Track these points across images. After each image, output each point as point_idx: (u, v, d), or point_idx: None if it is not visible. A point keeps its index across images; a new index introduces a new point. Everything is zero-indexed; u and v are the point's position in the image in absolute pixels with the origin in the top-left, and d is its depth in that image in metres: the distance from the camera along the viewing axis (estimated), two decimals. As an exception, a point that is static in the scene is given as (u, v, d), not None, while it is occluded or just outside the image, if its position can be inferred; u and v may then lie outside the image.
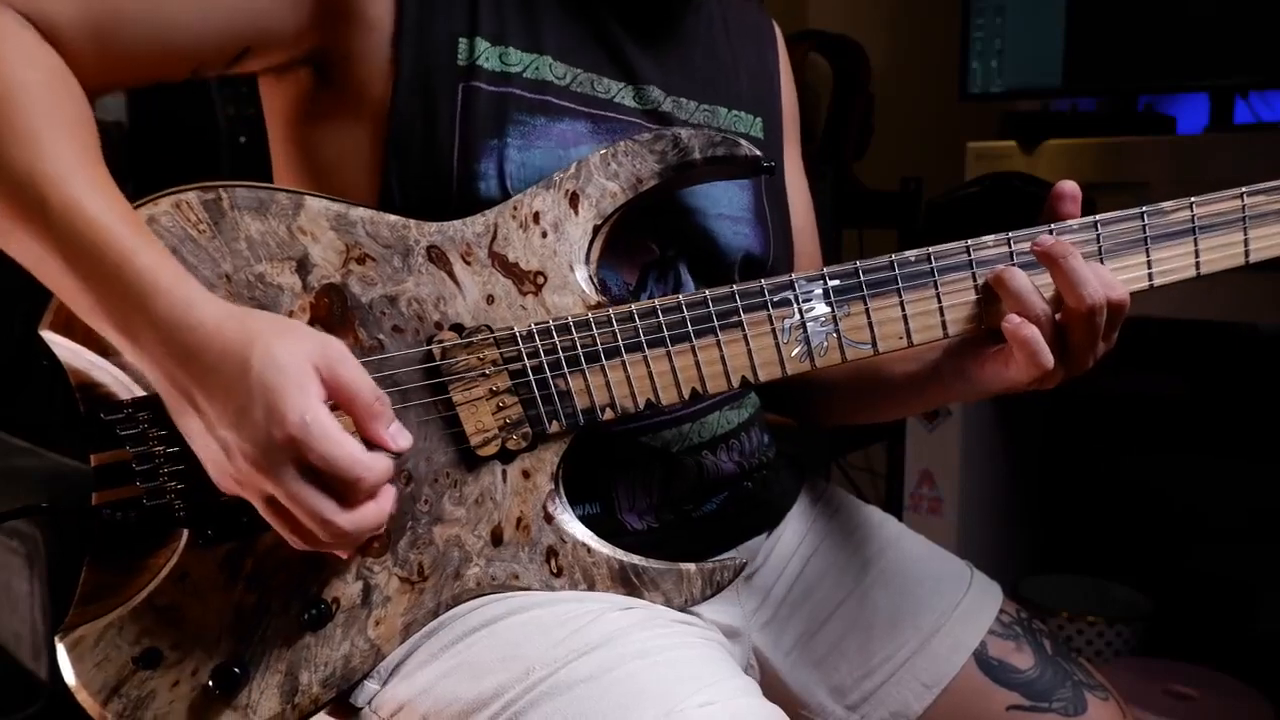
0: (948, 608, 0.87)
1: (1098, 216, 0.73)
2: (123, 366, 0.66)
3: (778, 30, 0.98)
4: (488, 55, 0.72)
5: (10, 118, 0.60)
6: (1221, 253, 0.75)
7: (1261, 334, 1.53)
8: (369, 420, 0.60)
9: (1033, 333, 0.69)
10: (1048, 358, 0.69)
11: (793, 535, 0.91)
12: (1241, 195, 0.74)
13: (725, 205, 0.82)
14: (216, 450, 0.59)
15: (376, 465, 0.59)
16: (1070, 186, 0.73)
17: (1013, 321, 0.69)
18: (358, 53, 0.71)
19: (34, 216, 0.59)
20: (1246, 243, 0.75)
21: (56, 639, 0.66)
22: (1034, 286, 0.70)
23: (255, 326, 0.59)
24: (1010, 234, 0.72)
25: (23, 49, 0.63)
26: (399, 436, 0.62)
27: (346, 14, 0.70)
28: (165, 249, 0.62)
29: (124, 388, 0.66)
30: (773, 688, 0.86)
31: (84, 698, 0.65)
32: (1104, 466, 1.95)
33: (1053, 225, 0.72)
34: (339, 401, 0.60)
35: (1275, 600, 1.79)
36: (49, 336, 0.66)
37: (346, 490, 0.58)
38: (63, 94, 0.63)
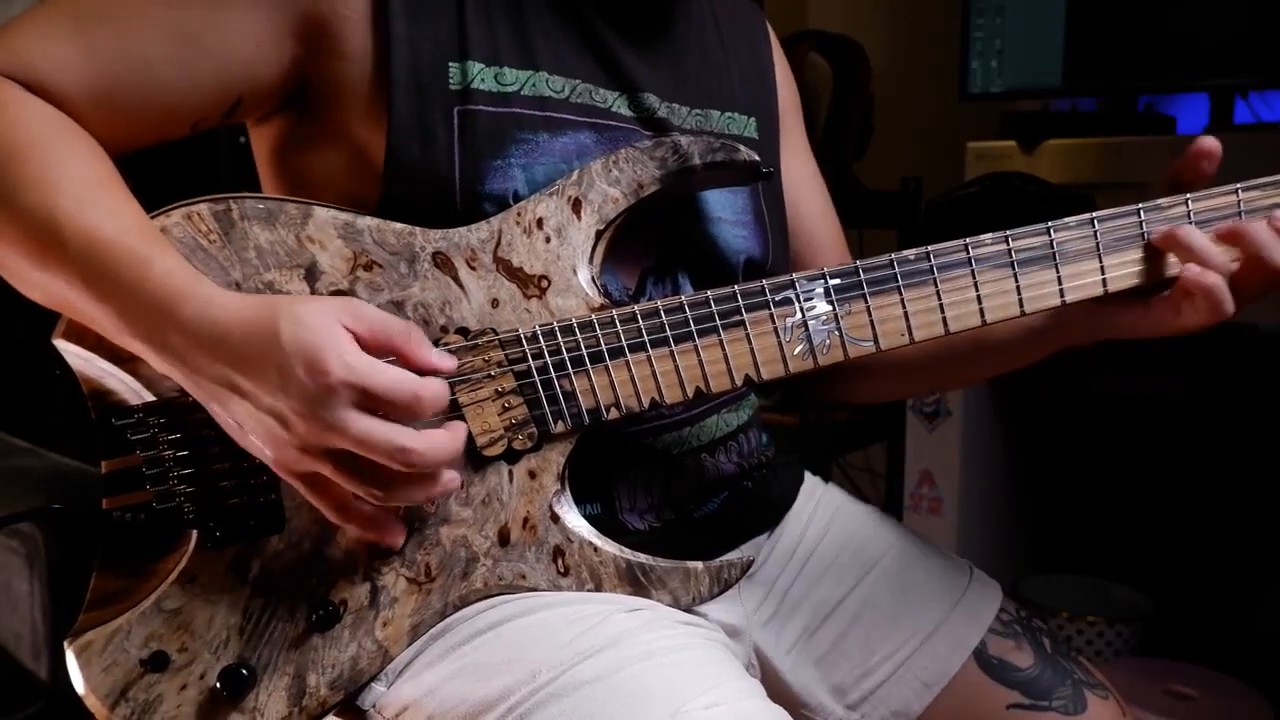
0: (947, 606, 0.88)
1: (1094, 214, 0.73)
2: (134, 373, 0.67)
3: (768, 24, 0.98)
4: (483, 77, 0.72)
5: (25, 166, 0.63)
6: None
7: (1261, 334, 1.53)
8: (412, 349, 0.62)
9: (1216, 280, 0.70)
10: (1230, 303, 0.71)
11: (793, 535, 0.91)
12: (1237, 191, 0.74)
13: (723, 209, 0.82)
14: (270, 424, 0.60)
15: (430, 382, 0.61)
16: (1211, 143, 0.74)
17: (1194, 270, 0.71)
18: (340, 85, 0.71)
19: (55, 250, 0.62)
20: None
21: (65, 644, 0.66)
22: (1208, 240, 0.72)
23: (275, 301, 0.60)
24: (1008, 232, 0.73)
25: (30, 108, 0.66)
26: (443, 359, 0.64)
27: (325, 48, 0.71)
28: (178, 255, 0.63)
29: (134, 394, 0.67)
30: (773, 686, 0.86)
31: (92, 702, 0.66)
32: (1104, 466, 1.95)
33: (1050, 224, 0.73)
34: (373, 345, 0.61)
35: (1275, 600, 1.79)
36: (62, 345, 0.67)
37: (410, 413, 0.60)
38: (72, 137, 0.66)
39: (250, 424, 0.61)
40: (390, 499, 0.62)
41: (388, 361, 0.60)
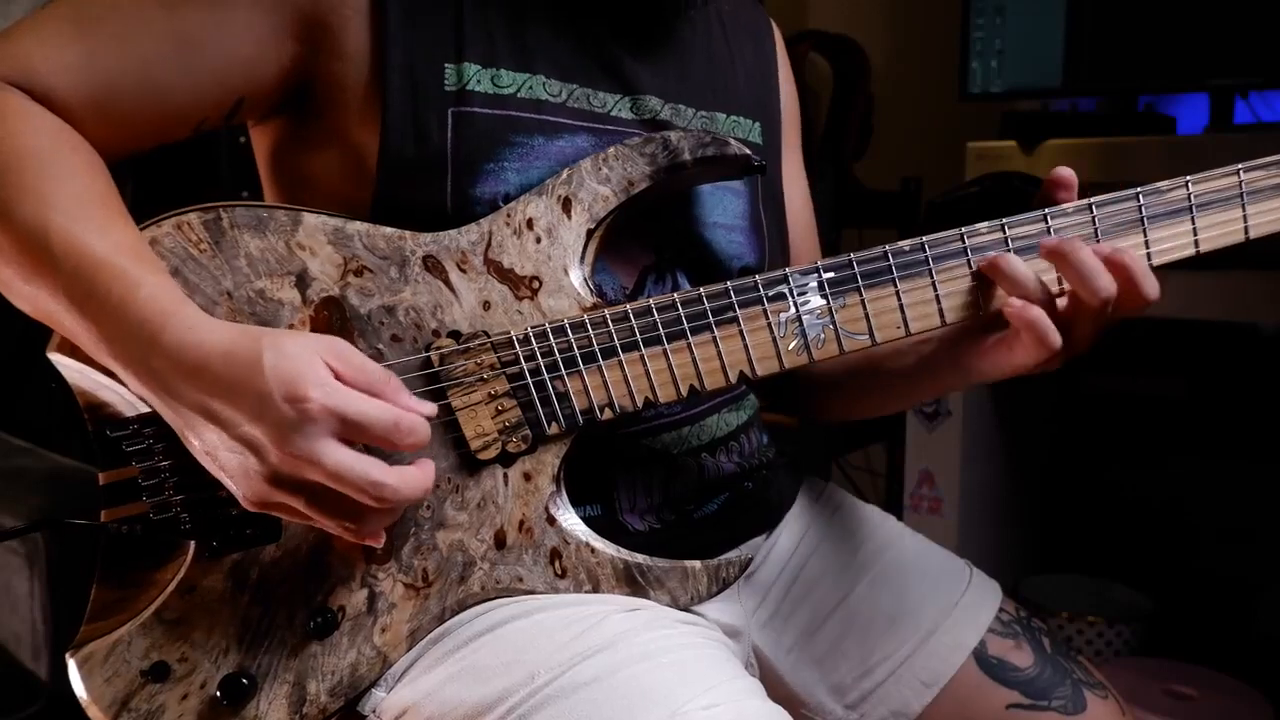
0: (947, 606, 0.88)
1: (1093, 199, 0.72)
2: (128, 384, 0.66)
3: (775, 28, 0.98)
4: (479, 78, 0.72)
5: (20, 178, 0.63)
6: (1220, 230, 0.74)
7: (1261, 334, 1.53)
8: (390, 394, 0.61)
9: (1038, 314, 0.68)
10: (1055, 338, 0.68)
11: (792, 535, 0.91)
12: (1238, 172, 0.73)
13: (720, 213, 0.82)
14: (242, 454, 0.59)
15: (410, 413, 0.60)
16: (1067, 174, 0.73)
17: (1015, 304, 0.69)
18: (339, 86, 0.71)
19: (44, 265, 0.61)
20: (1245, 219, 0.74)
21: (67, 656, 0.66)
22: (1030, 270, 0.69)
23: (259, 332, 0.60)
24: (1004, 220, 0.72)
25: (28, 118, 0.65)
26: (423, 404, 0.63)
27: (325, 48, 0.70)
28: (169, 279, 0.63)
29: (129, 405, 0.67)
30: (772, 686, 0.86)
31: (95, 713, 0.66)
32: (1104, 466, 1.95)
33: (1048, 210, 0.72)
34: (352, 385, 0.60)
35: (1275, 600, 1.79)
36: (56, 358, 0.67)
37: (388, 442, 0.59)
38: (68, 149, 0.66)
39: (222, 454, 0.60)
40: (359, 532, 0.62)
41: None
